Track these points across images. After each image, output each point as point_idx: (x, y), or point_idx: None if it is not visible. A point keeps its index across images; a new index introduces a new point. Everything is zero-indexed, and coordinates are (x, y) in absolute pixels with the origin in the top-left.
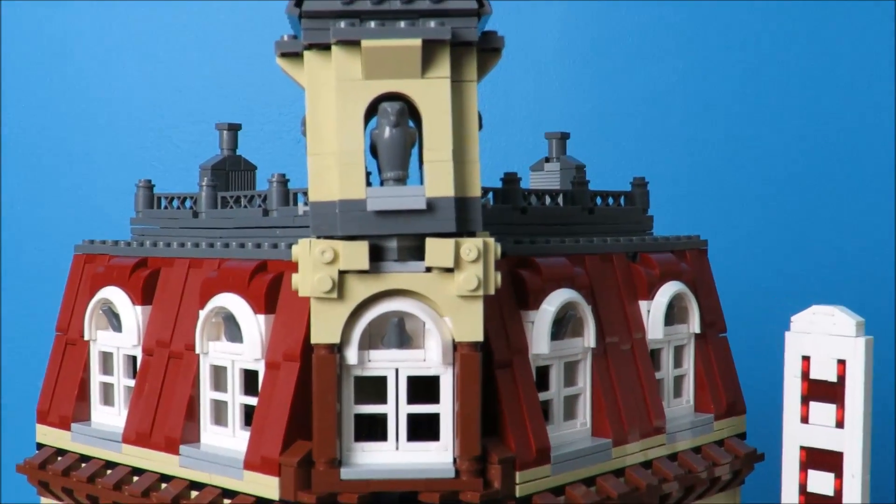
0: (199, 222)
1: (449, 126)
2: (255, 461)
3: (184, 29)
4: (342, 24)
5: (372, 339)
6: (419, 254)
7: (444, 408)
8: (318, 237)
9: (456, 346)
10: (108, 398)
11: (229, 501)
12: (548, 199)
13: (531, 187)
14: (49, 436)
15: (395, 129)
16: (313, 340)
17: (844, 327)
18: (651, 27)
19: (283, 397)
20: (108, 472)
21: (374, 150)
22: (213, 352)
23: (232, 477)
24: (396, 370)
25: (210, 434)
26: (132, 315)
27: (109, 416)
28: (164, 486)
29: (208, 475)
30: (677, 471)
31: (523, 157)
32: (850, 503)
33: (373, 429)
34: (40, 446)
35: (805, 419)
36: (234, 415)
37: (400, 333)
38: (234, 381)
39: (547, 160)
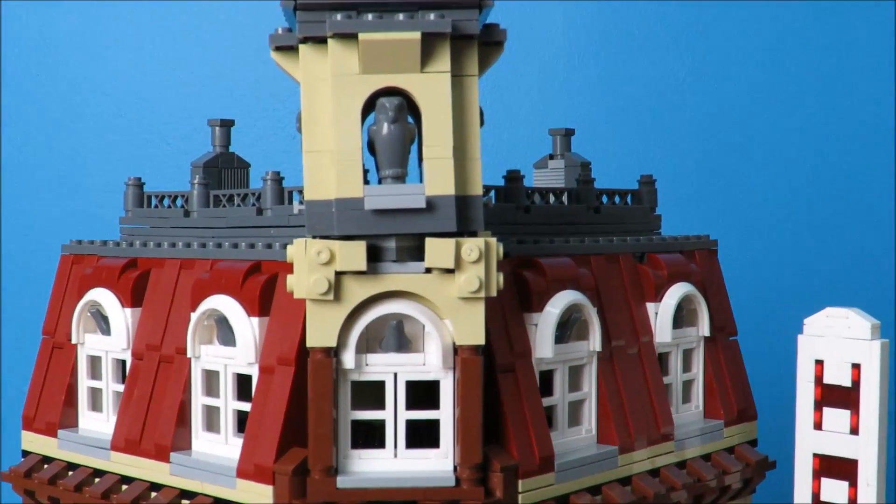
0: (191, 222)
1: (449, 122)
2: (248, 469)
3: (175, 22)
4: (338, 16)
5: (370, 343)
6: (418, 254)
7: (445, 414)
8: (314, 237)
9: (456, 349)
10: (96, 404)
11: None
12: (552, 198)
13: (535, 185)
14: (35, 443)
15: (393, 126)
16: (309, 344)
17: (859, 330)
18: (660, 20)
19: (277, 403)
20: (97, 480)
21: (371, 147)
22: (205, 356)
23: (224, 485)
24: (395, 375)
25: (202, 441)
26: (121, 318)
27: (97, 423)
28: (154, 494)
29: (200, 483)
30: (686, 479)
31: (526, 154)
32: None
33: (370, 435)
34: (26, 454)
35: (818, 425)
36: (227, 421)
37: (399, 337)
38: (227, 385)
39: (551, 157)
